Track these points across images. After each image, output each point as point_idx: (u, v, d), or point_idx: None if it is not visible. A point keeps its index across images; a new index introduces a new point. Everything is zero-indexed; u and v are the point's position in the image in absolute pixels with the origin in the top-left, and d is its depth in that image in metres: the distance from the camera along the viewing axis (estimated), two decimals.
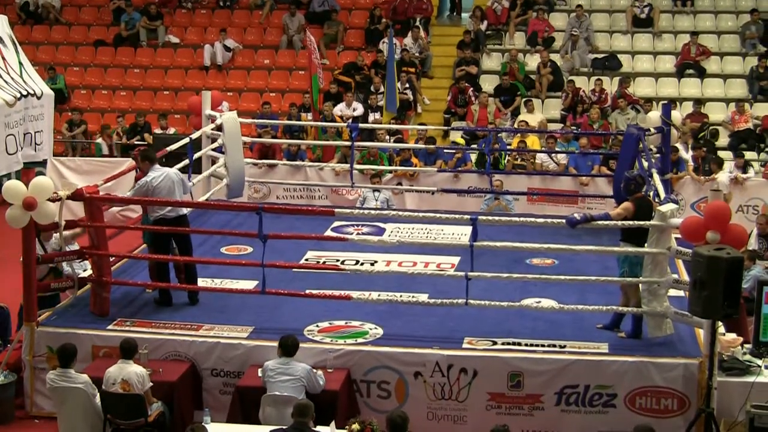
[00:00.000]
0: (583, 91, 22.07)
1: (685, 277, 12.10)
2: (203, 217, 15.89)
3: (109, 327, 12.04)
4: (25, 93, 16.17)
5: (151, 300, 12.84)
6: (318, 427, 9.66)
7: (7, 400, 11.89)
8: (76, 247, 12.69)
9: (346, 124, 18.98)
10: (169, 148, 15.50)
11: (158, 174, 12.70)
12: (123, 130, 21.60)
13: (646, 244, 11.68)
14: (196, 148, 16.23)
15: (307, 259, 14.08)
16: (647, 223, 11.61)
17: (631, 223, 11.58)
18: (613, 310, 11.93)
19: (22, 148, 16.23)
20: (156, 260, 12.94)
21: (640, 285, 11.85)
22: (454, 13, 26.47)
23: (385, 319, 12.28)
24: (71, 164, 20.25)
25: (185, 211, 12.94)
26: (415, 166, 19.27)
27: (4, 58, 16.38)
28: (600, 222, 11.63)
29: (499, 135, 20.06)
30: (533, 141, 20.31)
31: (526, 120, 20.87)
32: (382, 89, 22.19)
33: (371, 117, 21.67)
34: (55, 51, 25.33)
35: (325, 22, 24.89)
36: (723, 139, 21.12)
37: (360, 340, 11.77)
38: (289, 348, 10.81)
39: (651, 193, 13.47)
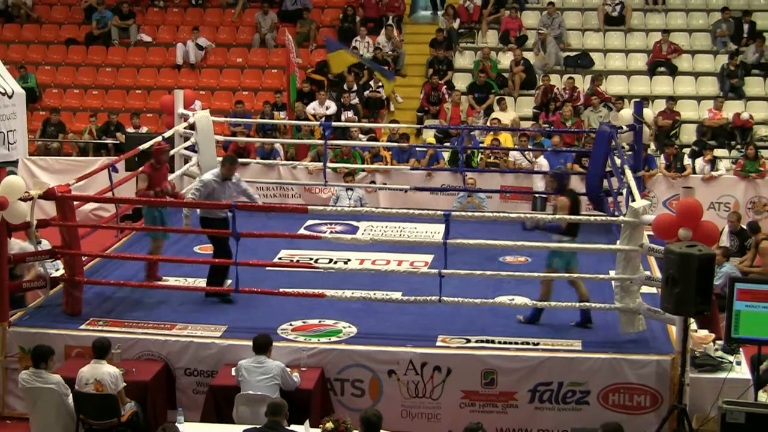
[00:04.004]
0: (557, 88, 22.11)
1: (658, 274, 12.16)
2: (176, 216, 15.83)
3: (82, 327, 11.99)
4: None
5: (124, 299, 12.78)
6: (292, 426, 9.65)
7: None
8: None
9: (319, 123, 18.96)
10: (141, 147, 15.45)
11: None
12: (96, 128, 21.50)
13: (618, 241, 11.75)
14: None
15: (280, 258, 14.06)
16: (620, 219, 11.67)
17: (604, 218, 11.62)
18: (585, 307, 11.97)
19: None
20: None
21: (612, 282, 11.93)
22: (435, 11, 26.27)
23: (359, 317, 12.28)
24: (43, 163, 20.20)
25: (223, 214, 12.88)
26: (386, 159, 19.28)
27: None
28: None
29: (471, 133, 20.11)
30: (506, 138, 20.34)
31: (499, 117, 20.90)
32: (355, 87, 22.19)
33: (344, 115, 21.66)
34: (26, 50, 25.15)
35: (298, 21, 24.83)
36: (693, 136, 21.22)
37: (334, 338, 11.77)
38: (259, 346, 10.78)
39: (624, 191, 13.57)
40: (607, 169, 15.91)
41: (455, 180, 18.55)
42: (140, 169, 13.75)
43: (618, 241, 11.82)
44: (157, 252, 13.54)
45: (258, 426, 9.55)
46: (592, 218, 12.49)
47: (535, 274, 12.31)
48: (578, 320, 12.15)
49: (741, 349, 11.50)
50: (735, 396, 10.59)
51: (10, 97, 16.37)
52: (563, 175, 12.84)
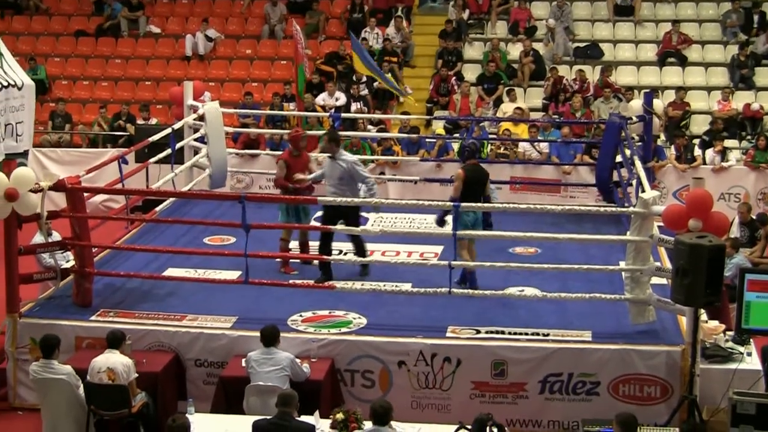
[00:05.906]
0: (566, 79, 22.07)
1: (668, 265, 12.15)
2: (186, 207, 15.87)
3: (92, 318, 12.01)
4: (5, 84, 16.05)
5: (134, 290, 12.80)
6: (302, 417, 9.66)
7: None
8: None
9: (328, 114, 18.94)
10: (151, 139, 15.48)
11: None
12: (105, 120, 21.53)
13: (628, 232, 11.75)
14: (178, 139, 16.21)
15: (290, 249, 14.05)
16: (630, 210, 11.66)
17: (614, 209, 11.58)
18: (596, 299, 11.94)
19: (3, 140, 16.13)
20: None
21: (623, 273, 11.92)
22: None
23: (369, 308, 12.28)
24: (53, 155, 20.25)
25: None
26: (397, 153, 19.28)
27: None
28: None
29: (481, 124, 20.09)
30: (523, 129, 20.30)
31: (518, 106, 20.81)
32: (364, 79, 22.18)
33: (353, 106, 21.65)
34: (36, 41, 25.20)
35: (307, 12, 24.83)
36: (703, 127, 21.18)
37: (344, 329, 11.77)
38: (266, 338, 10.77)
39: (634, 182, 13.51)
40: (617, 160, 15.89)
41: None
42: (279, 155, 13.71)
43: (628, 232, 11.80)
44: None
45: (268, 417, 9.56)
46: (602, 209, 12.46)
47: (546, 266, 12.29)
48: (458, 279, 12.51)
49: (751, 339, 11.49)
50: (745, 387, 10.57)
51: (19, 89, 16.32)
52: (466, 147, 13.14)
